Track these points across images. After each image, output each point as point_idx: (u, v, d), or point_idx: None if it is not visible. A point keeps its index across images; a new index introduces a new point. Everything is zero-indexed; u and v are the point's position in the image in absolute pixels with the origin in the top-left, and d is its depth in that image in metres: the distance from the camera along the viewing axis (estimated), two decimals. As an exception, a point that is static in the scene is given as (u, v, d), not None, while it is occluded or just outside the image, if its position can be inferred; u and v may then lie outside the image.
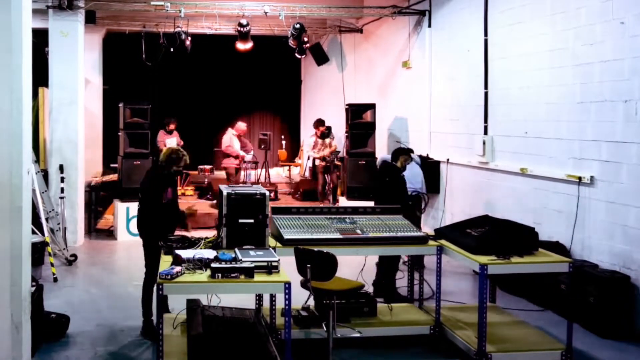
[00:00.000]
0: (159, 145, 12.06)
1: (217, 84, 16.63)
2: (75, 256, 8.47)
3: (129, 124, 10.17)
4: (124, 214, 9.91)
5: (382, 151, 11.30)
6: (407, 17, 10.63)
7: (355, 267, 6.02)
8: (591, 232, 6.36)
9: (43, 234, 7.89)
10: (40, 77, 8.95)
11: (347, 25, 12.92)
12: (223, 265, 4.37)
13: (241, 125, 12.00)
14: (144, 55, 11.75)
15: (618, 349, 5.48)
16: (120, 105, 10.28)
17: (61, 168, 9.34)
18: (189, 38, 11.04)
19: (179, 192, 12.63)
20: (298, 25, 10.75)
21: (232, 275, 4.33)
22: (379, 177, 7.18)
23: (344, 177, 11.07)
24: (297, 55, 11.97)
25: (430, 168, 9.50)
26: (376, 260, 6.92)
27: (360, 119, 10.72)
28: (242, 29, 10.88)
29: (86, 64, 10.72)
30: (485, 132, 8.31)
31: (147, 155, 10.17)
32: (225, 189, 5.10)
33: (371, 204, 6.95)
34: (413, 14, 10.35)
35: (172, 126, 12.51)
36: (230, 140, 11.73)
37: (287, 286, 4.30)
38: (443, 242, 5.45)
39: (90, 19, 10.36)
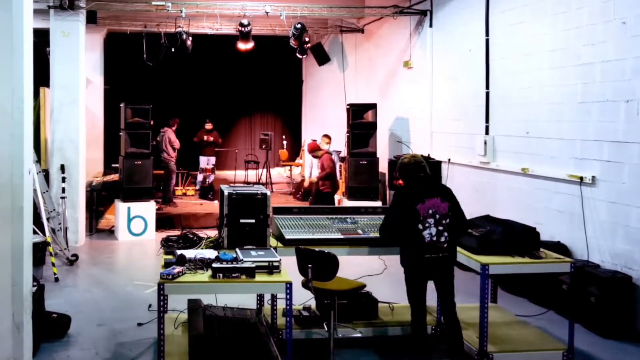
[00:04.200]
0: (173, 145, 12.14)
1: (218, 84, 16.63)
2: (76, 256, 8.48)
3: (130, 124, 10.19)
4: (125, 214, 9.92)
5: (383, 151, 11.30)
6: (409, 17, 10.63)
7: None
8: (593, 232, 6.36)
9: (44, 234, 7.89)
10: (42, 77, 8.96)
11: (348, 25, 12.92)
12: (224, 265, 4.37)
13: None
14: (145, 55, 11.75)
15: (619, 349, 5.47)
16: (122, 105, 10.30)
17: (62, 168, 9.35)
18: (190, 38, 11.04)
19: (180, 192, 12.70)
20: (299, 25, 10.75)
21: (234, 275, 4.33)
22: None
23: (345, 178, 11.07)
24: (298, 55, 11.97)
25: (432, 168, 9.47)
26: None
27: (361, 119, 10.71)
28: (243, 29, 10.88)
29: (87, 64, 10.73)
30: (487, 132, 8.30)
31: (148, 155, 10.19)
32: (226, 189, 5.11)
33: (373, 203, 6.94)
34: (414, 13, 10.34)
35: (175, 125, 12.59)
36: None
37: (289, 286, 4.30)
38: (444, 242, 5.44)
39: (92, 19, 10.37)
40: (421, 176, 4.74)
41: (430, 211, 4.62)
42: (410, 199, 4.65)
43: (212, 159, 13.78)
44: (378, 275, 6.21)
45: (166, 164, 12.12)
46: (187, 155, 13.86)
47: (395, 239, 4.79)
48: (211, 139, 13.63)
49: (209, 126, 13.70)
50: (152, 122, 10.32)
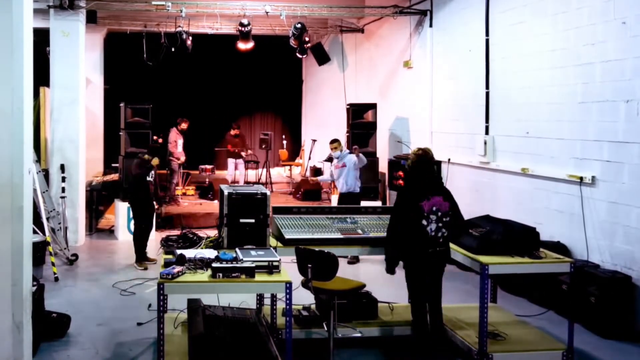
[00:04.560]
0: (169, 145, 12.02)
1: (218, 84, 16.62)
2: (76, 256, 8.48)
3: (130, 123, 10.19)
4: (124, 213, 9.91)
5: (383, 151, 11.30)
6: (409, 17, 10.62)
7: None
8: (592, 232, 6.36)
9: (44, 234, 7.90)
10: (42, 77, 8.96)
11: (348, 25, 12.91)
12: (224, 265, 4.37)
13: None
14: (145, 55, 11.75)
15: (619, 349, 5.47)
16: (121, 105, 10.30)
17: (62, 168, 9.35)
18: (190, 38, 11.03)
19: (180, 192, 12.67)
20: (299, 25, 10.74)
21: (233, 275, 4.33)
22: None
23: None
24: (298, 55, 11.97)
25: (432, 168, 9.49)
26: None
27: (361, 118, 10.72)
28: (243, 29, 10.88)
29: (87, 63, 10.72)
30: (487, 132, 8.30)
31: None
32: (226, 189, 5.10)
33: (373, 203, 6.96)
34: (414, 13, 10.34)
35: (184, 125, 12.39)
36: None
37: (288, 286, 4.30)
38: (444, 242, 5.45)
39: (92, 18, 10.36)
40: (427, 175, 4.90)
41: (434, 208, 4.77)
42: (413, 197, 4.80)
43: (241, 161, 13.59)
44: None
45: (168, 163, 12.08)
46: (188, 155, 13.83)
47: (398, 237, 4.88)
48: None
49: (234, 132, 13.44)
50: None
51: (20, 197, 4.57)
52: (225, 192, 5.02)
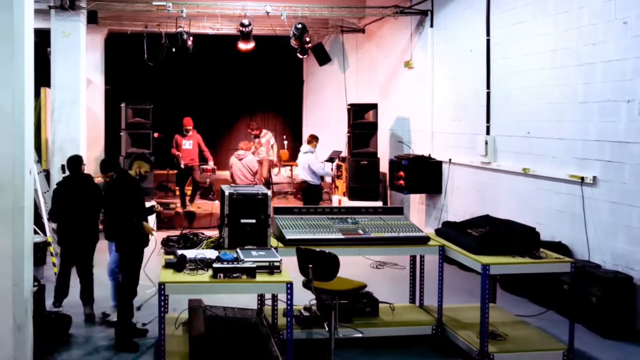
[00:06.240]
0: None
1: (219, 85, 16.61)
2: (77, 256, 8.47)
3: (130, 124, 10.20)
4: (125, 214, 9.90)
5: (384, 151, 11.29)
6: (409, 17, 10.62)
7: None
8: (594, 233, 6.35)
9: (45, 234, 7.90)
10: (43, 77, 8.97)
11: (349, 25, 12.91)
12: (225, 265, 4.37)
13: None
14: (145, 56, 11.74)
15: (620, 350, 5.47)
16: (122, 105, 10.31)
17: (63, 168, 9.34)
18: (191, 38, 11.03)
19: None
20: (300, 25, 10.74)
21: (234, 275, 4.34)
22: None
23: (346, 178, 11.08)
24: (299, 55, 11.96)
25: (432, 168, 9.50)
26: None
27: (362, 119, 10.72)
28: (244, 29, 10.88)
29: (88, 64, 10.74)
30: (488, 132, 8.30)
31: (149, 155, 10.18)
32: (227, 189, 5.11)
33: (374, 204, 6.96)
34: (415, 13, 10.34)
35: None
36: None
37: (289, 286, 4.30)
38: (445, 242, 5.45)
39: (92, 19, 10.38)
40: None
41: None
42: None
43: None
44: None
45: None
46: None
47: None
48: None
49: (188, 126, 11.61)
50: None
51: (22, 197, 4.57)
52: (226, 193, 5.02)
